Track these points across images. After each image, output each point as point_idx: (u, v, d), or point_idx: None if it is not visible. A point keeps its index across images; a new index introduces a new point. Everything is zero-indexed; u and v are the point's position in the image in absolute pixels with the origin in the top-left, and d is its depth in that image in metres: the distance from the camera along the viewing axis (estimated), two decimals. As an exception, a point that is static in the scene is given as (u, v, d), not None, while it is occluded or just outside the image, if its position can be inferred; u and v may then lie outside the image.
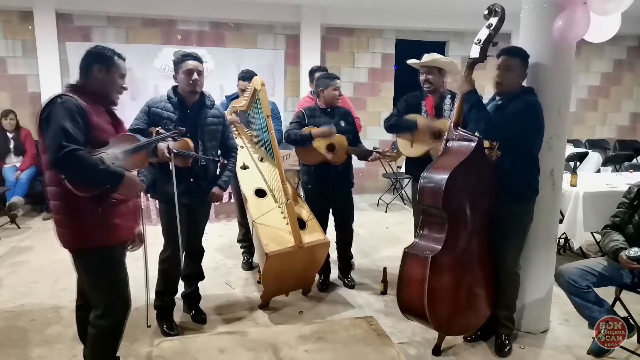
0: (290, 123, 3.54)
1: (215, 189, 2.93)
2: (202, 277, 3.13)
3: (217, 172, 3.02)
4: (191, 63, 2.74)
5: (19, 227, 5.11)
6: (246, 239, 3.98)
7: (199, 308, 3.10)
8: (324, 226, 3.42)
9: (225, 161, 2.92)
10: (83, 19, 6.26)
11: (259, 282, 3.55)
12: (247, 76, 3.72)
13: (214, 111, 2.92)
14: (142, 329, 2.89)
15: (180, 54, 2.81)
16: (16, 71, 6.19)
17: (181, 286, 3.04)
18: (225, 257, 4.21)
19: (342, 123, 3.44)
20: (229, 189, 5.22)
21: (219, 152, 2.98)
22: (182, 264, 2.88)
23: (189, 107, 2.81)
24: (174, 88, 2.85)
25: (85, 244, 2.01)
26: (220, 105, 3.84)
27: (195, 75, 2.75)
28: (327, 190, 3.44)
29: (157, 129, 2.67)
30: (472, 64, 2.57)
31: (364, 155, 3.47)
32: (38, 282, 3.64)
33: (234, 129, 3.60)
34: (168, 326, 2.88)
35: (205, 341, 2.73)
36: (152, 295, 2.90)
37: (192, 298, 3.10)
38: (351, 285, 3.61)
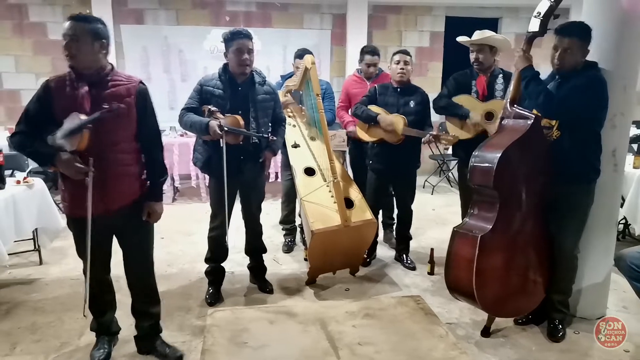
0: (363, 97, 3.55)
1: (267, 153, 2.96)
2: (264, 250, 3.24)
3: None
4: (240, 42, 2.74)
5: (80, 203, 5.41)
6: (288, 221, 4.03)
7: (265, 279, 3.23)
8: (382, 205, 3.39)
9: (274, 137, 2.91)
10: (136, 1, 6.44)
11: (305, 260, 3.61)
12: (303, 54, 3.71)
13: (266, 88, 2.92)
14: (196, 300, 3.02)
15: (230, 32, 2.79)
16: (75, 55, 6.47)
17: (247, 260, 3.26)
18: (272, 235, 4.29)
19: (412, 103, 3.36)
20: (277, 169, 5.33)
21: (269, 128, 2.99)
22: (228, 241, 2.94)
23: (239, 84, 2.83)
24: (225, 66, 2.86)
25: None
26: (275, 84, 3.89)
27: (245, 55, 2.75)
28: (388, 168, 3.43)
29: (209, 107, 2.73)
30: (531, 39, 2.45)
31: (419, 137, 3.36)
32: (99, 254, 3.85)
33: (288, 110, 3.62)
34: (209, 295, 3.01)
35: (256, 313, 2.82)
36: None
37: (257, 270, 3.24)
38: (412, 267, 3.57)
